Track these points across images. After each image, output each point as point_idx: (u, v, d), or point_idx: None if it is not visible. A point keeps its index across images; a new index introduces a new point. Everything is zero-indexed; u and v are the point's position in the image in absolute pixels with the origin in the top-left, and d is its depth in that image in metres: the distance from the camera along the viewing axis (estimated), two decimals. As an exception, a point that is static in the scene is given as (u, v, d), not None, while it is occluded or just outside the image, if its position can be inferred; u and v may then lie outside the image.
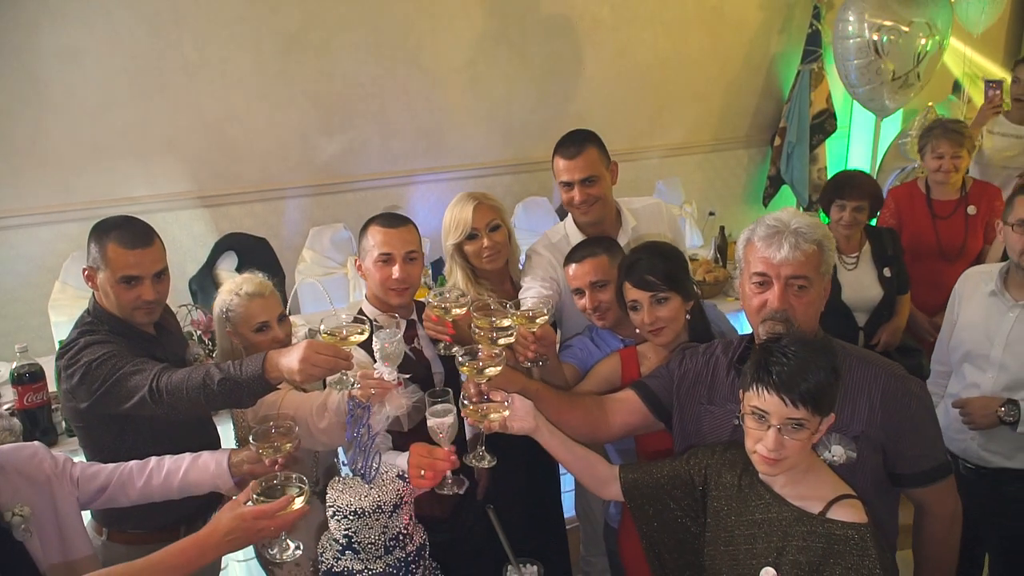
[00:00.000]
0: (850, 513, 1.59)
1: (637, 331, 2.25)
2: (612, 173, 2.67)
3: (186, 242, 4.01)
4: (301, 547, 1.67)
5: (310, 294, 3.67)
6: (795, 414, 1.56)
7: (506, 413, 1.77)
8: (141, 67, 3.84)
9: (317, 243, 3.88)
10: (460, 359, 1.77)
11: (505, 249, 2.61)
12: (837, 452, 1.76)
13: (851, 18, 4.88)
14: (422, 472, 1.77)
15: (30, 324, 3.63)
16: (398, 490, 1.61)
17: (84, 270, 2.12)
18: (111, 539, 2.21)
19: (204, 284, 3.67)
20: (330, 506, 1.61)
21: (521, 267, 2.74)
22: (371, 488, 1.60)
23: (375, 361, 1.84)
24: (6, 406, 2.75)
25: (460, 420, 1.84)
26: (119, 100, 3.83)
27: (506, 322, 1.84)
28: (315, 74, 4.22)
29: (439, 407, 1.80)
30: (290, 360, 1.74)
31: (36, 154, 3.72)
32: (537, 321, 1.94)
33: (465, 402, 1.78)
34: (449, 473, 1.79)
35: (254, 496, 1.58)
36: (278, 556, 1.64)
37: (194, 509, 2.13)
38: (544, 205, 4.61)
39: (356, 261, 2.38)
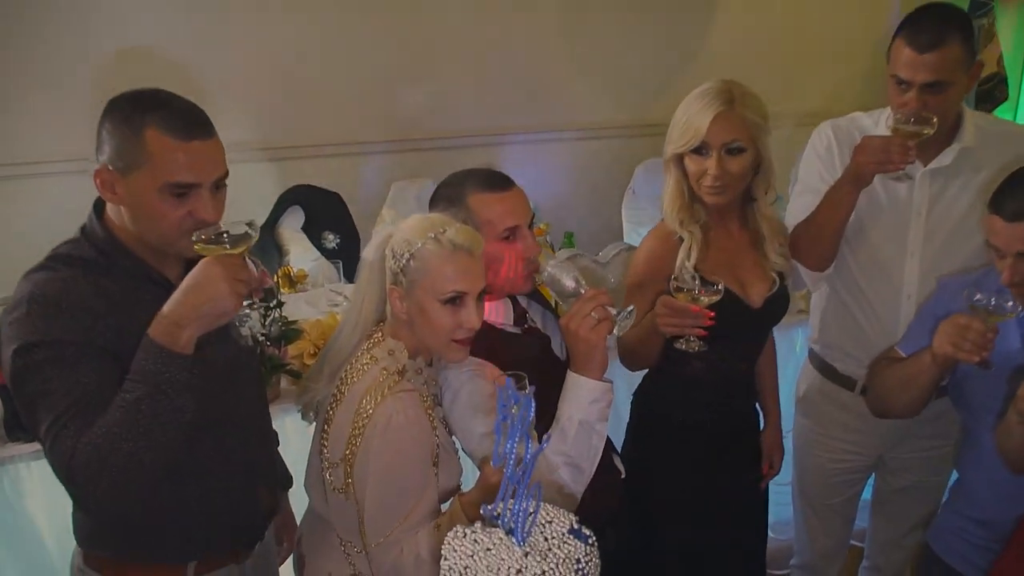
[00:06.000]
0: None
1: None
2: (972, 78, 1.94)
3: (249, 201, 3.40)
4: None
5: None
6: None
7: None
8: (200, -6, 3.39)
9: (400, 200, 3.34)
10: None
11: (739, 183, 1.87)
12: None
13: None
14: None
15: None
16: (576, 560, 0.90)
17: (96, 173, 1.42)
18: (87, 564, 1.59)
19: (266, 245, 3.20)
20: (454, 579, 0.92)
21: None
22: (527, 555, 0.90)
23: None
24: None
25: None
26: (175, 33, 3.39)
27: None
28: (402, 11, 3.73)
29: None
30: (184, 298, 1.34)
31: (75, 90, 3.19)
32: None
33: None
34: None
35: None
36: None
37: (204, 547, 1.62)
38: (669, 168, 3.99)
39: None
